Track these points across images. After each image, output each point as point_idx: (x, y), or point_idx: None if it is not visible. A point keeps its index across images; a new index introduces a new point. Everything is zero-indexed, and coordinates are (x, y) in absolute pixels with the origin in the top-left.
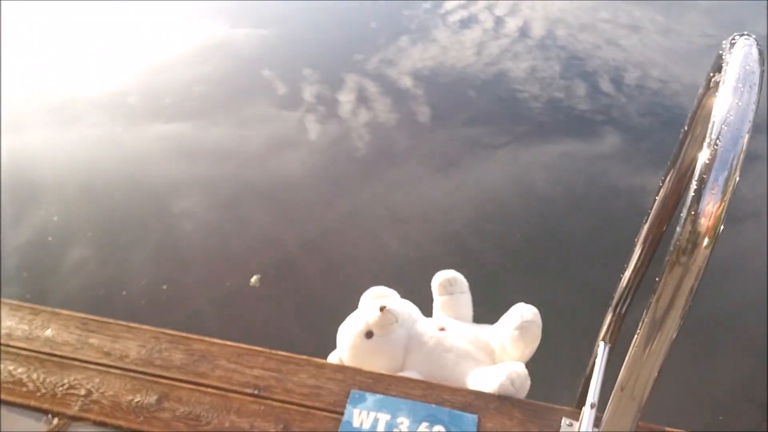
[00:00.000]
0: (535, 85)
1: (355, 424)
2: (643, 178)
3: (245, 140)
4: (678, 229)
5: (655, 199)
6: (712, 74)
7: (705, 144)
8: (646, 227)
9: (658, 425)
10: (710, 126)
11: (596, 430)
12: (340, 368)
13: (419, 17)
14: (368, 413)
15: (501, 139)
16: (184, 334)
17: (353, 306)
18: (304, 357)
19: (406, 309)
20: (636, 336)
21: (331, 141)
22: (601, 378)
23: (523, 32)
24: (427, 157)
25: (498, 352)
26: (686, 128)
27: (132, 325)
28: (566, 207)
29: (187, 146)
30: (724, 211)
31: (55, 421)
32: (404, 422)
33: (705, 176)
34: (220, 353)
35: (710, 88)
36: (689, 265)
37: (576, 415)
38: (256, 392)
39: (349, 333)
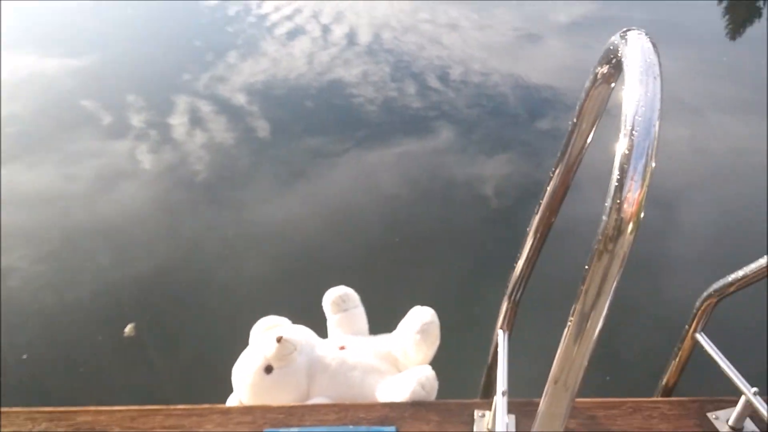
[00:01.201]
0: (369, 89)
1: None
2: (478, 166)
3: (71, 179)
4: (604, 217)
5: (546, 190)
6: (599, 68)
7: (621, 135)
8: (537, 218)
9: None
10: (623, 118)
11: (511, 416)
12: (247, 409)
13: (245, 32)
14: None
15: (342, 145)
16: (64, 408)
17: (234, 337)
18: (206, 406)
19: (303, 335)
20: (567, 327)
21: (168, 167)
22: (506, 365)
23: (351, 39)
24: (271, 172)
25: (401, 360)
26: (575, 120)
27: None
28: (413, 203)
29: (3, 194)
30: (645, 197)
31: None
32: None
33: (625, 165)
34: (111, 421)
35: (598, 80)
36: (616, 251)
37: (487, 406)
38: None
39: (246, 372)
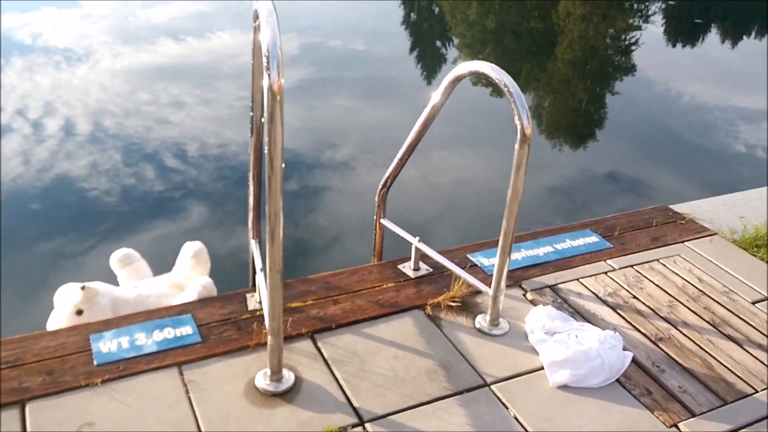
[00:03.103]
0: (102, 179)
1: (104, 351)
2: (238, 238)
3: None
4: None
5: (252, 131)
6: (254, 22)
7: (263, 54)
8: (252, 158)
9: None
10: (265, 45)
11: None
12: (74, 327)
13: None
14: (111, 341)
15: (86, 243)
16: None
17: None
18: (35, 333)
19: (101, 284)
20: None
21: None
22: (261, 261)
23: (68, 130)
24: (8, 290)
25: (185, 283)
26: (252, 61)
27: None
28: None
29: None
30: (281, 86)
31: None
32: (140, 336)
33: (269, 71)
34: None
35: (255, 29)
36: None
37: (254, 290)
38: (11, 365)
39: (60, 319)
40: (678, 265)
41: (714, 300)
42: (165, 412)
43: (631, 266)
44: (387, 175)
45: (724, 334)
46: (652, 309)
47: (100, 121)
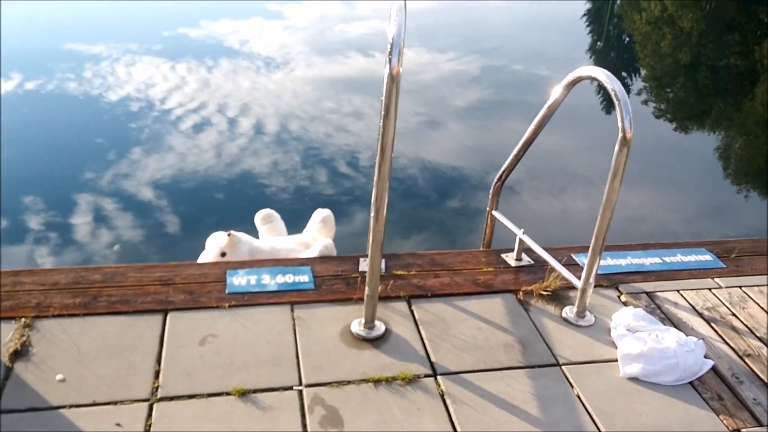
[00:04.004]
0: (280, 178)
1: (236, 284)
2: (395, 247)
3: None
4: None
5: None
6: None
7: (388, 43)
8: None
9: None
10: (391, 36)
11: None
12: (216, 263)
13: (149, 127)
14: (242, 278)
15: (255, 234)
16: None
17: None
18: (186, 262)
19: (244, 235)
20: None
21: None
22: (382, 236)
23: (258, 129)
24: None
25: (312, 243)
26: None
27: None
28: None
29: None
30: (399, 71)
31: None
32: (266, 277)
33: (390, 58)
34: (126, 273)
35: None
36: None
37: (366, 256)
38: (163, 282)
39: (208, 257)
40: None
41: None
42: (273, 336)
43: (740, 287)
44: (502, 169)
45: None
46: (748, 327)
47: (286, 123)
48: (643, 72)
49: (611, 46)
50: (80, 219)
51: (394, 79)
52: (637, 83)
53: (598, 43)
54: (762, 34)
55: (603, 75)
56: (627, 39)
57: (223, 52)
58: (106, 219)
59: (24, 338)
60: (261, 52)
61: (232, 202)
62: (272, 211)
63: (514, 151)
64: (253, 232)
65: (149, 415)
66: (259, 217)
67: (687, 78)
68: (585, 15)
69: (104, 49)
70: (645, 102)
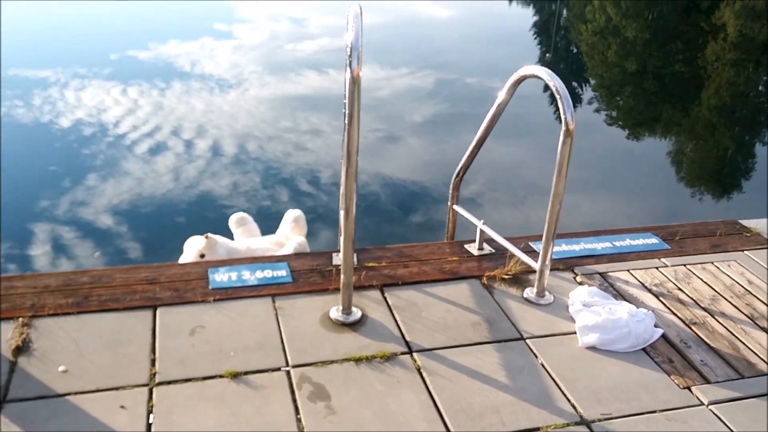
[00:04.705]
0: (240, 198)
1: (218, 280)
2: None
3: None
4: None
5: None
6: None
7: (347, 48)
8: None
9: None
10: (349, 41)
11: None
12: (197, 262)
13: (104, 152)
14: (223, 274)
15: None
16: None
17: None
18: (169, 263)
19: (221, 237)
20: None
21: None
22: (345, 232)
23: (215, 151)
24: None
25: (285, 242)
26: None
27: None
28: None
29: None
30: (359, 73)
31: None
32: (246, 273)
33: (350, 61)
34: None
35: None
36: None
37: (337, 251)
38: (149, 281)
39: (188, 259)
40: (731, 269)
41: (758, 299)
42: (258, 326)
43: (684, 265)
44: (459, 166)
45: (760, 327)
46: (693, 300)
47: (244, 144)
48: (592, 81)
49: (560, 57)
50: (38, 249)
51: (355, 81)
52: (588, 92)
53: (547, 54)
54: (703, 42)
55: (544, 73)
56: (575, 50)
57: (174, 74)
58: (65, 248)
59: (24, 335)
60: (213, 73)
61: (193, 225)
62: (245, 214)
63: (469, 149)
64: (229, 237)
65: (150, 397)
66: (233, 220)
67: (635, 86)
68: (533, 27)
69: (51, 74)
70: (597, 110)
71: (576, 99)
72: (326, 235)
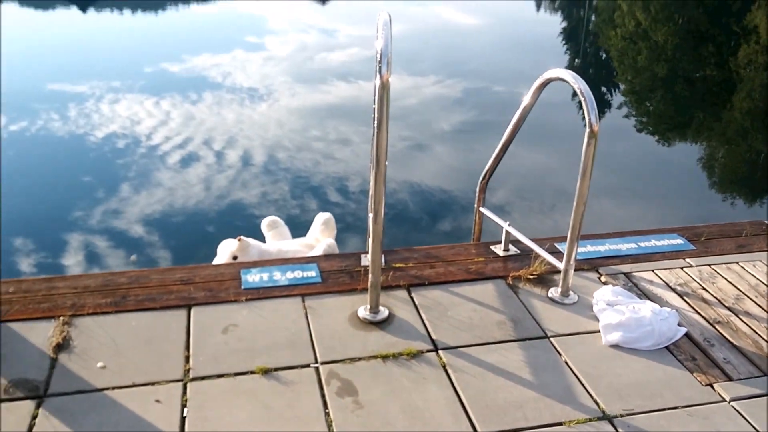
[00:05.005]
0: (270, 208)
1: (250, 281)
2: None
3: None
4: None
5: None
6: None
7: (377, 54)
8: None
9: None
10: (379, 48)
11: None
12: (230, 264)
13: (137, 163)
14: (255, 275)
15: None
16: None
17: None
18: (203, 264)
19: (253, 240)
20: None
21: None
22: (373, 234)
23: (246, 161)
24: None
25: (315, 244)
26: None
27: None
28: None
29: None
30: (389, 78)
31: None
32: (277, 274)
33: (380, 67)
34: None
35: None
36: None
37: (366, 252)
38: (184, 282)
39: (220, 261)
40: (756, 268)
41: None
42: (288, 324)
43: (709, 265)
44: (486, 169)
45: None
46: (717, 299)
47: (274, 154)
48: (622, 87)
49: (589, 62)
50: (72, 259)
51: (384, 87)
52: (617, 98)
53: (576, 60)
54: (735, 45)
55: (569, 75)
56: (604, 55)
57: (206, 86)
58: (98, 257)
59: (64, 334)
60: (244, 84)
61: (223, 234)
62: (277, 218)
63: (495, 152)
64: (261, 240)
65: (184, 392)
66: (265, 223)
67: (665, 90)
68: (561, 33)
69: (87, 88)
70: (626, 116)
71: (606, 104)
72: (354, 242)
